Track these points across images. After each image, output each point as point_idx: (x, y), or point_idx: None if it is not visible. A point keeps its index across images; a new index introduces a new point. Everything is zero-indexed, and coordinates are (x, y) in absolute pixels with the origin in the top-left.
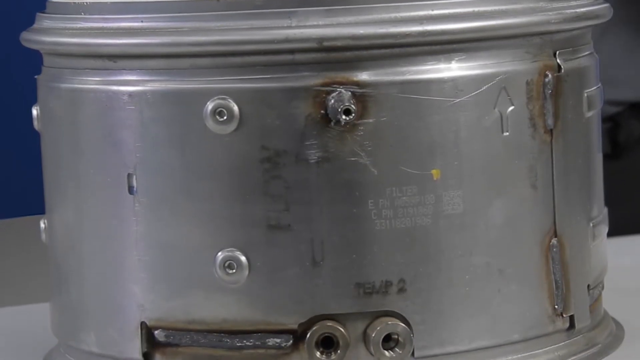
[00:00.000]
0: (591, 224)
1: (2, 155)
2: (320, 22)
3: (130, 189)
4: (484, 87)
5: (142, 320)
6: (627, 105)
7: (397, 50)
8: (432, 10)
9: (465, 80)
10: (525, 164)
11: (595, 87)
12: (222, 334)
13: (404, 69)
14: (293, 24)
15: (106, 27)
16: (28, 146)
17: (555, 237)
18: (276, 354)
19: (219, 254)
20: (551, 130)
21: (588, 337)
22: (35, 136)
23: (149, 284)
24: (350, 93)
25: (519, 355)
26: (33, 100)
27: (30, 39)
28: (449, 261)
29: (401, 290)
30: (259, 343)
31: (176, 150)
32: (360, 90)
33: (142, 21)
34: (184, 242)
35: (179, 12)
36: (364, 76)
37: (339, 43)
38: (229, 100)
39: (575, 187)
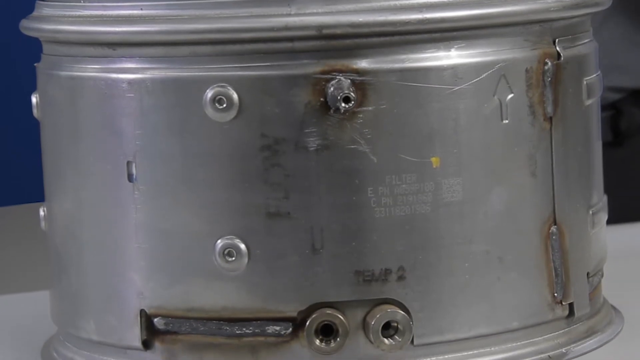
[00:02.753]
0: (591, 212)
1: (1, 143)
2: (320, 10)
3: (130, 177)
4: (484, 75)
5: (142, 308)
6: (629, 92)
7: (396, 38)
8: None
9: (464, 68)
10: (525, 152)
11: (594, 75)
12: (222, 322)
13: (404, 56)
14: (292, 12)
15: (105, 14)
16: (27, 134)
17: (555, 224)
18: (275, 342)
19: (219, 241)
20: (551, 118)
21: (587, 325)
22: (35, 124)
23: (149, 271)
24: (349, 81)
25: (519, 343)
26: (32, 88)
27: (30, 26)
28: (449, 249)
29: (400, 278)
30: (258, 331)
31: (176, 138)
32: (360, 78)
33: (141, 9)
34: (183, 230)
35: (179, 0)
36: (363, 64)
37: (338, 31)
38: (229, 88)
39: (575, 175)
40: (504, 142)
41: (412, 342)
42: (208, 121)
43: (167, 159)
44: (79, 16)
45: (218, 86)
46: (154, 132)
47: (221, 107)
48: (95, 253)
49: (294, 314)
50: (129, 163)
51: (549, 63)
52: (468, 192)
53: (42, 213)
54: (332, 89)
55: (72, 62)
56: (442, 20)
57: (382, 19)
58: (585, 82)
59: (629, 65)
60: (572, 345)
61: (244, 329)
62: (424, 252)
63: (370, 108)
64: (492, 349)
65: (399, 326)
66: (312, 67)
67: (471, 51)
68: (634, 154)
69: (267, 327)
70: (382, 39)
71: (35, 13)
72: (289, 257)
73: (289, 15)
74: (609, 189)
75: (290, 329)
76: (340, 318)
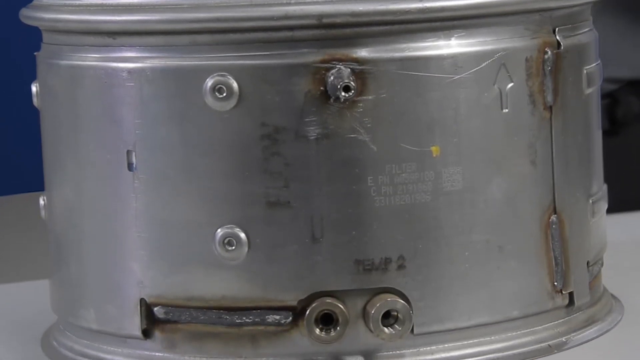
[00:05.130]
0: (591, 201)
1: (1, 132)
2: None
3: (130, 166)
4: (484, 64)
5: (142, 297)
6: (625, 82)
7: (396, 27)
8: None
9: (464, 57)
10: (525, 141)
11: (594, 64)
12: (222, 311)
13: (404, 45)
14: (292, 1)
15: (105, 3)
16: (27, 123)
17: (555, 213)
18: (275, 331)
19: (219, 230)
20: (551, 106)
21: (587, 314)
22: (35, 113)
23: (148, 260)
24: (349, 70)
25: (519, 332)
26: (32, 77)
27: (30, 15)
28: (449, 238)
29: (400, 267)
30: (258, 320)
31: (175, 127)
32: (360, 67)
33: None
34: (183, 219)
35: None
36: (363, 53)
37: (338, 20)
38: (229, 77)
39: (575, 164)
40: (504, 131)
41: (412, 331)
42: (208, 110)
43: (167, 148)
44: (79, 5)
45: (218, 75)
46: (154, 121)
47: (221, 96)
48: (95, 242)
49: (294, 303)
50: (128, 152)
51: (549, 52)
52: (468, 181)
53: (42, 202)
54: (332, 78)
55: (72, 51)
56: (442, 9)
57: (383, 8)
58: (585, 71)
59: (624, 56)
60: (572, 334)
61: (244, 318)
62: (423, 241)
63: (370, 97)
64: (492, 337)
65: (399, 315)
66: (312, 56)
67: (471, 40)
68: (631, 142)
69: (267, 316)
70: (382, 27)
71: (35, 2)
72: (289, 246)
73: (289, 4)
74: (605, 177)
75: (290, 318)
76: (340, 307)
